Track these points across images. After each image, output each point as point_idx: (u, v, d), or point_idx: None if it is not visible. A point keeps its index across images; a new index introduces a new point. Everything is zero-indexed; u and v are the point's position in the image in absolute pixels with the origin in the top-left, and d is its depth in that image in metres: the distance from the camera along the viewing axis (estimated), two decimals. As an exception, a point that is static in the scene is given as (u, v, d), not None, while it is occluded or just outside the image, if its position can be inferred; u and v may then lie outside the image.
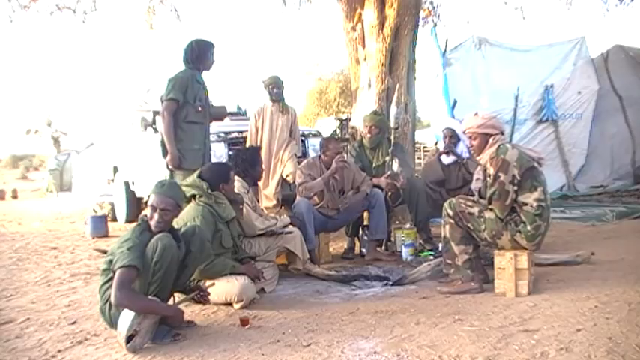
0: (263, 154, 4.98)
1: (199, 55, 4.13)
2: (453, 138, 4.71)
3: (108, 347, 2.63)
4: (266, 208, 4.91)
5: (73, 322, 3.07)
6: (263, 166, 4.91)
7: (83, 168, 11.17)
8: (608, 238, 4.94)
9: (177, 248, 2.71)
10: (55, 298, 3.69)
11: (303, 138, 5.84)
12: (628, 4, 7.57)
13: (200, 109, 4.10)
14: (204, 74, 4.26)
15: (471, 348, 2.34)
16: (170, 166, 4.04)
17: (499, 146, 3.19)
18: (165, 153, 4.09)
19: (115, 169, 7.77)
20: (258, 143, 5.04)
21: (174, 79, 4.03)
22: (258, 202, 5.04)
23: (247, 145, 5.17)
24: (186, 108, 4.04)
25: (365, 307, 3.10)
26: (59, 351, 2.63)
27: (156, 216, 2.70)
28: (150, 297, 2.62)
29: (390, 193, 4.66)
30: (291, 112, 5.20)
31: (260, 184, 4.97)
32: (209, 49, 4.18)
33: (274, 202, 5.03)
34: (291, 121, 5.16)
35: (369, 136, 4.88)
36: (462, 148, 4.67)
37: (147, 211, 2.75)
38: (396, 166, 4.74)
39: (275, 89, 5.07)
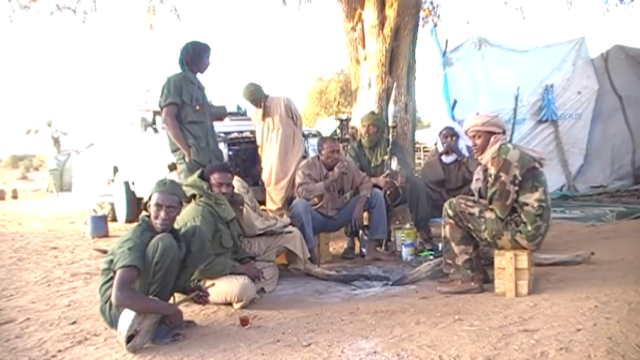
0: (269, 155, 4.97)
1: (194, 57, 4.13)
2: (453, 136, 4.70)
3: (108, 347, 2.63)
4: (270, 210, 4.90)
5: (73, 322, 3.08)
6: (274, 167, 4.90)
7: (83, 168, 11.18)
8: (608, 238, 4.94)
9: (177, 248, 2.71)
10: (55, 298, 3.69)
11: (303, 138, 5.83)
12: (628, 4, 7.58)
13: (198, 108, 4.10)
14: (200, 76, 4.25)
15: (470, 348, 2.34)
16: (187, 159, 4.03)
17: (500, 146, 3.18)
18: (175, 149, 4.11)
19: (115, 169, 7.76)
20: (264, 145, 5.04)
21: (167, 83, 4.04)
22: (264, 202, 5.04)
23: (260, 146, 5.15)
24: (185, 109, 4.05)
25: (365, 307, 3.10)
26: (59, 351, 2.63)
27: (162, 214, 2.70)
28: (150, 297, 2.63)
29: (388, 192, 4.67)
30: (284, 103, 5.00)
31: (269, 186, 4.96)
32: (205, 51, 4.18)
33: (279, 205, 4.99)
34: (286, 112, 4.99)
35: (367, 135, 4.89)
36: (461, 145, 4.66)
37: (150, 211, 2.75)
38: (394, 165, 4.74)
39: (252, 102, 5.02)
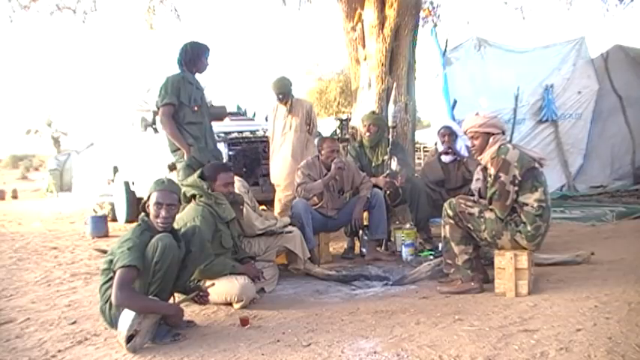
0: (280, 155, 4.96)
1: (193, 57, 4.13)
2: (451, 135, 4.71)
3: (108, 347, 2.63)
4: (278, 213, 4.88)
5: (73, 322, 3.07)
6: (285, 169, 4.88)
7: (83, 168, 11.18)
8: (608, 238, 4.94)
9: (177, 248, 2.71)
10: (55, 298, 3.69)
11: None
12: (628, 4, 7.57)
13: (196, 108, 4.10)
14: (200, 76, 4.25)
15: (471, 348, 2.34)
16: (186, 157, 4.02)
17: (500, 146, 3.19)
18: (175, 149, 4.11)
19: (115, 169, 7.77)
20: (273, 143, 5.03)
21: (165, 84, 4.04)
22: (264, 202, 5.02)
23: (270, 142, 5.14)
24: (183, 110, 4.04)
25: (365, 307, 3.10)
26: (59, 351, 2.63)
27: (163, 212, 2.70)
28: (150, 297, 2.63)
29: (388, 192, 4.66)
30: (305, 108, 5.04)
31: (279, 186, 4.93)
32: (203, 52, 4.18)
33: (283, 207, 4.96)
34: (305, 117, 5.00)
35: (367, 134, 4.89)
36: (460, 145, 4.67)
37: (150, 210, 2.74)
38: (394, 165, 4.75)
39: (280, 95, 4.96)
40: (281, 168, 4.97)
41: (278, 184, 5.03)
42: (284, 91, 4.96)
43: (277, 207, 5.03)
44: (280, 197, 5.01)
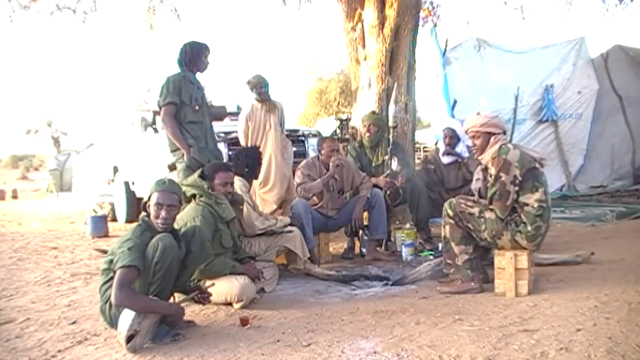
0: (266, 155, 4.93)
1: (193, 57, 4.13)
2: (453, 138, 4.72)
3: (108, 347, 2.63)
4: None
5: (73, 322, 3.07)
6: (273, 169, 4.83)
7: (83, 168, 11.18)
8: (608, 238, 4.94)
9: (177, 248, 2.71)
10: (55, 298, 3.69)
11: (302, 138, 5.81)
12: (627, 5, 7.58)
13: (197, 108, 4.10)
14: (200, 76, 4.25)
15: (470, 348, 2.34)
16: (186, 158, 4.01)
17: (501, 146, 3.19)
18: (175, 149, 4.10)
19: (115, 169, 7.77)
20: (251, 144, 4.96)
21: (166, 83, 4.04)
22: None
23: (245, 143, 4.98)
24: (184, 109, 4.05)
25: (365, 307, 3.10)
26: (59, 351, 2.63)
27: (163, 213, 2.70)
28: (150, 297, 2.63)
29: (388, 192, 4.67)
30: (279, 107, 4.97)
31: (266, 186, 4.88)
32: (203, 51, 4.18)
33: (274, 206, 4.93)
34: (279, 116, 4.94)
35: (367, 134, 4.89)
36: (461, 148, 4.68)
37: (150, 211, 2.74)
38: (395, 165, 4.75)
39: (262, 89, 4.86)
40: (268, 167, 4.79)
41: (264, 183, 4.82)
42: (265, 84, 4.85)
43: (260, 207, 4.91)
44: (265, 198, 4.84)
